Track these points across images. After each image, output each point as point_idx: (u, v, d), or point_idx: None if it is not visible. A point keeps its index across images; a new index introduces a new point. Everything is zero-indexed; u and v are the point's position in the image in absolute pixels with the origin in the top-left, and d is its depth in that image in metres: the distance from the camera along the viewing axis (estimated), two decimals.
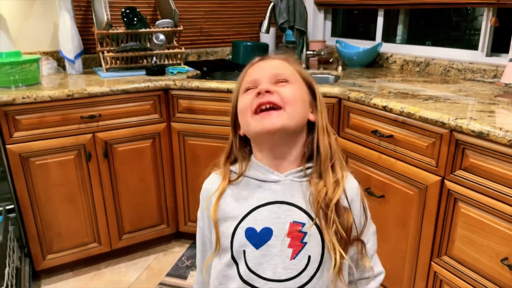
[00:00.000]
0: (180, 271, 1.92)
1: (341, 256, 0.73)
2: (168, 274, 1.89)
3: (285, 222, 0.74)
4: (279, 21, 2.06)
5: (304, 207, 0.75)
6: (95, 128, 1.74)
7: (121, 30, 2.05)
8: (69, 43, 1.95)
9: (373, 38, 2.32)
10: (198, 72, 2.09)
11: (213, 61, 2.36)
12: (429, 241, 1.36)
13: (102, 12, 1.89)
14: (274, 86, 0.74)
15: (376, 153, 1.50)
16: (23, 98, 1.57)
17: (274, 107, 0.72)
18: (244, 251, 0.75)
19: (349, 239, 0.75)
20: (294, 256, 0.73)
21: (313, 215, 0.74)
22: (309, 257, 0.74)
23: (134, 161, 1.88)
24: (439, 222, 1.32)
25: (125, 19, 2.00)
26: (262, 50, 2.26)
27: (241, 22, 2.60)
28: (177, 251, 2.08)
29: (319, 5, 2.57)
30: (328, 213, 0.73)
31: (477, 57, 1.85)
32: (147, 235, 2.01)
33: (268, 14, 2.03)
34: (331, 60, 2.24)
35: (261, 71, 0.77)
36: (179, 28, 2.13)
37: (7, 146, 1.60)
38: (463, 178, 1.21)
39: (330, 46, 2.45)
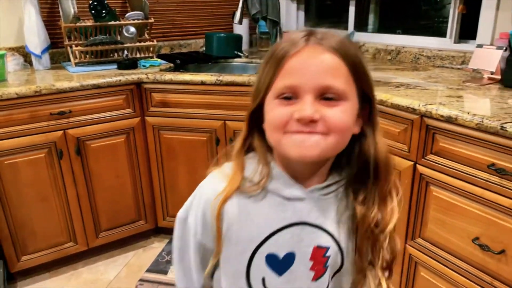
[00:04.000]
0: (160, 266, 1.90)
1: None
2: (148, 270, 1.88)
3: (309, 246, 0.67)
4: (252, 12, 2.05)
5: (329, 228, 0.67)
6: (65, 124, 1.69)
7: (90, 23, 1.99)
8: (35, 37, 1.88)
9: (346, 28, 2.34)
10: (171, 65, 2.06)
11: (187, 54, 2.33)
12: (404, 225, 1.39)
13: (69, 4, 1.84)
14: (320, 105, 0.58)
15: None
16: None
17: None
18: (263, 279, 0.68)
19: (393, 266, 0.69)
20: (316, 278, 0.68)
21: (336, 235, 0.67)
22: (329, 276, 0.70)
23: (108, 157, 1.84)
24: (412, 206, 1.35)
25: (93, 12, 1.94)
26: (236, 42, 2.25)
27: (213, 13, 2.57)
28: (157, 246, 2.06)
29: None
30: (377, 244, 0.66)
31: (445, 44, 1.89)
32: (125, 232, 1.98)
33: (240, 5, 2.02)
34: None
35: (305, 73, 0.58)
36: (150, 20, 2.09)
37: None
38: (434, 162, 1.25)
39: None
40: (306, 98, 0.57)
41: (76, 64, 1.96)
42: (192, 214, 0.71)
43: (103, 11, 1.93)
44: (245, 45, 2.40)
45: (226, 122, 1.79)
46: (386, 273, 0.69)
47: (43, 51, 1.93)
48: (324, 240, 0.67)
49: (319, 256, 0.67)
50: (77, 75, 1.80)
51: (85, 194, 1.82)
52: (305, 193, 0.66)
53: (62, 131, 1.69)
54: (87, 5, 1.97)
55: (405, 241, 1.41)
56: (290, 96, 0.59)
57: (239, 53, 2.23)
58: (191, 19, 2.51)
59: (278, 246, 0.66)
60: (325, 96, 0.58)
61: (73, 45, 1.95)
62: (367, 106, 0.65)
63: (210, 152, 1.87)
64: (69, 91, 1.66)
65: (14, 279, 1.83)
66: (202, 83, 1.76)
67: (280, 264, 0.67)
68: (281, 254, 0.67)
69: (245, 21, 2.41)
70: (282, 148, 0.61)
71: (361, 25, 2.28)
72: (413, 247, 1.38)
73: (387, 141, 1.38)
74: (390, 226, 0.65)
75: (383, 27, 2.25)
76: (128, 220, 1.98)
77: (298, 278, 0.68)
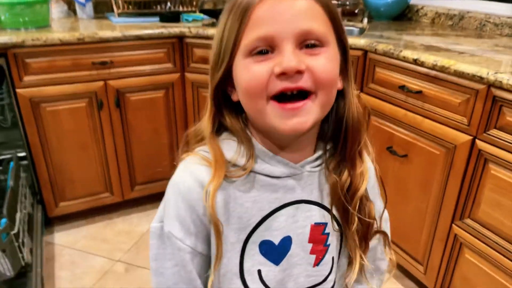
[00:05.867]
0: None
1: (361, 258, 0.64)
2: None
3: (305, 226, 0.60)
4: None
5: (324, 202, 0.61)
6: (106, 75, 1.67)
7: None
8: None
9: None
10: (214, 20, 1.98)
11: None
12: (452, 203, 1.30)
13: None
14: (302, 54, 0.50)
15: (401, 110, 1.42)
16: (32, 40, 1.50)
17: (302, 92, 0.51)
18: (259, 272, 0.60)
19: (370, 234, 0.64)
20: (318, 262, 0.62)
21: (334, 210, 0.61)
22: (333, 258, 0.64)
23: (146, 111, 1.82)
24: (465, 184, 1.25)
25: None
26: None
27: None
28: None
29: None
30: (350, 209, 0.60)
31: None
32: (159, 187, 1.99)
33: None
34: (356, 11, 2.09)
35: (279, 19, 0.49)
36: None
37: (17, 90, 1.55)
38: (497, 138, 1.13)
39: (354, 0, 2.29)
40: (286, 47, 0.49)
41: (119, 15, 1.91)
42: (172, 218, 0.57)
43: None
44: None
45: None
46: (362, 244, 0.64)
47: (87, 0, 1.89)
48: (320, 216, 0.61)
49: (317, 234, 0.61)
50: (119, 26, 1.76)
51: (122, 147, 1.83)
52: (295, 168, 0.58)
53: (103, 82, 1.67)
54: None
55: (451, 220, 1.32)
56: (265, 49, 0.50)
57: None
58: None
59: (272, 231, 0.58)
60: (306, 43, 0.50)
61: None
62: (342, 58, 0.56)
63: None
64: (111, 41, 1.63)
65: (52, 224, 1.89)
66: None
67: (277, 251, 0.59)
68: (276, 240, 0.59)
69: None
70: (267, 119, 0.52)
71: None
72: (460, 227, 1.29)
73: (444, 112, 1.27)
74: (361, 191, 0.59)
75: None
76: (163, 176, 1.98)
77: (297, 265, 0.61)
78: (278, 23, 0.49)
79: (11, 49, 1.49)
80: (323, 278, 0.64)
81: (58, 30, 1.63)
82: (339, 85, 0.56)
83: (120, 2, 1.89)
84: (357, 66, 1.56)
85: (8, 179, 1.53)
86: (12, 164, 1.58)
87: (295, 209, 0.59)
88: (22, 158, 1.74)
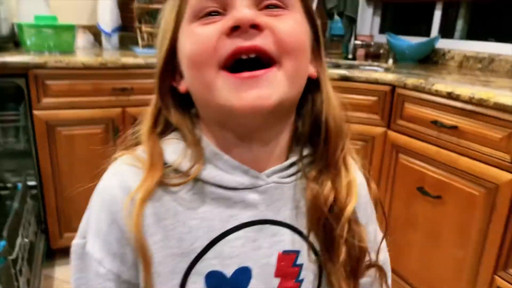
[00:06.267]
0: None
1: None
2: None
3: (271, 255, 0.47)
4: (328, 6, 1.93)
5: (297, 224, 0.48)
6: (126, 101, 1.64)
7: (161, 6, 1.97)
8: (107, 15, 1.88)
9: (428, 34, 2.14)
10: None
11: None
12: (495, 251, 1.16)
13: None
14: (262, 14, 0.41)
15: (433, 147, 1.32)
16: (55, 62, 1.49)
17: (263, 60, 0.40)
18: None
19: (360, 269, 0.49)
20: None
21: (311, 235, 0.48)
22: None
23: None
24: (510, 228, 1.12)
25: None
26: None
27: None
28: None
29: None
30: (336, 232, 0.46)
31: None
32: None
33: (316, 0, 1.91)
34: (380, 52, 2.08)
35: None
36: None
37: (34, 112, 1.52)
38: None
39: (378, 43, 2.29)
40: (239, 3, 0.39)
41: (143, 47, 1.93)
42: (92, 234, 0.45)
43: None
44: None
45: None
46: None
47: (114, 30, 1.92)
48: (291, 241, 0.47)
49: (287, 266, 0.47)
50: (143, 56, 1.77)
51: None
52: (258, 178, 0.45)
53: (121, 108, 1.64)
54: None
55: (494, 270, 1.17)
56: (215, 11, 0.40)
57: None
58: None
59: (224, 260, 0.45)
60: (266, 3, 0.41)
61: (143, 26, 1.93)
62: (312, 36, 0.46)
63: None
64: (134, 68, 1.62)
65: (54, 256, 1.78)
66: None
67: (229, 286, 0.45)
68: (229, 271, 0.45)
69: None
70: (218, 96, 0.40)
71: (446, 32, 2.07)
72: (504, 279, 1.14)
73: (483, 149, 1.17)
74: (349, 208, 0.46)
75: (473, 35, 2.03)
76: None
77: None
78: None
79: (33, 69, 1.48)
80: None
81: (82, 56, 1.64)
82: (312, 70, 0.46)
83: (145, 34, 1.91)
84: (384, 102, 1.50)
85: (13, 203, 1.45)
86: (19, 187, 1.51)
87: (257, 232, 0.46)
88: (32, 187, 1.68)
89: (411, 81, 1.39)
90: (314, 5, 1.93)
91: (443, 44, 2.00)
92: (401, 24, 2.50)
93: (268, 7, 0.41)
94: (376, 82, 1.49)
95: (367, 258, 0.50)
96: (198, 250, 0.44)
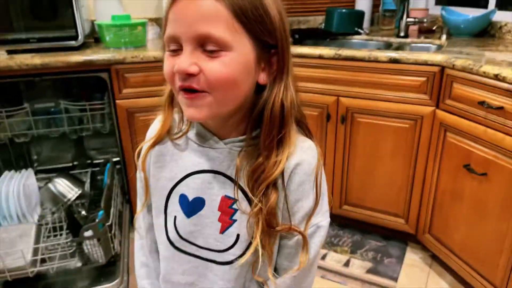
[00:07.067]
0: None
1: (263, 247, 0.64)
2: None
3: (218, 195, 0.68)
4: None
5: (240, 182, 0.66)
6: None
7: None
8: None
9: (484, 7, 2.09)
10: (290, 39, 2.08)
11: (305, 29, 2.33)
12: None
13: None
14: (201, 57, 0.55)
15: (481, 126, 1.38)
16: (132, 57, 1.72)
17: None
18: (175, 217, 0.71)
19: (268, 225, 0.64)
20: (222, 230, 0.68)
21: (248, 189, 0.65)
22: (238, 235, 0.68)
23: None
24: None
25: None
26: (357, 18, 2.17)
27: None
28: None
29: None
30: (248, 192, 0.64)
31: None
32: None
33: None
34: (434, 29, 2.07)
35: (183, 22, 0.55)
36: None
37: (116, 101, 1.77)
38: None
39: (433, 15, 2.26)
40: (186, 48, 0.55)
41: None
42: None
43: None
44: (366, 23, 2.30)
45: (340, 98, 1.76)
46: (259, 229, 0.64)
47: None
48: (231, 191, 0.66)
49: (225, 206, 0.67)
50: None
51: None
52: (216, 142, 0.67)
53: None
54: None
55: None
56: (176, 47, 0.57)
57: (359, 30, 2.15)
58: None
59: (189, 189, 0.69)
60: (206, 47, 0.55)
61: None
62: (275, 52, 0.60)
63: (320, 128, 1.86)
64: None
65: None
66: (320, 57, 1.75)
67: (190, 206, 0.69)
68: (190, 197, 0.69)
69: None
70: (180, 103, 0.61)
71: (504, 4, 2.01)
72: None
73: None
74: (269, 179, 0.62)
75: None
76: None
77: (207, 226, 0.69)
78: (182, 25, 0.55)
79: (114, 65, 1.72)
80: (226, 247, 0.68)
81: (153, 49, 1.85)
82: (261, 79, 0.61)
83: None
84: (433, 82, 1.55)
85: (104, 178, 1.74)
86: (108, 165, 1.79)
87: (212, 178, 0.67)
88: (116, 163, 1.96)
89: (460, 62, 1.43)
90: None
91: (500, 16, 1.95)
92: None
93: (207, 50, 0.55)
94: (425, 63, 1.54)
95: (286, 225, 0.66)
96: (178, 179, 0.70)
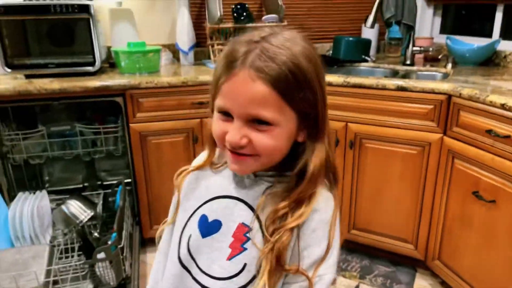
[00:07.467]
0: None
1: (268, 280, 0.65)
2: None
3: (236, 222, 0.70)
4: (386, 16, 2.02)
5: (261, 214, 0.69)
6: (203, 114, 1.89)
7: (230, 25, 2.19)
8: (185, 36, 2.13)
9: (488, 36, 2.15)
10: (320, 61, 2.14)
11: None
12: None
13: (216, 8, 2.04)
14: (250, 129, 0.63)
15: (488, 154, 1.40)
16: (146, 83, 1.77)
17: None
18: (190, 236, 0.74)
19: (277, 263, 0.66)
20: (230, 257, 0.69)
21: (264, 222, 0.68)
22: (245, 264, 0.69)
23: None
24: None
25: (234, 14, 2.13)
26: (364, 46, 2.24)
27: (343, 18, 2.59)
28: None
29: (429, 0, 2.45)
30: (265, 232, 0.67)
31: None
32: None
33: (375, 8, 2.00)
34: (439, 57, 2.13)
35: (236, 100, 0.61)
36: (283, 23, 2.21)
37: (130, 124, 1.82)
38: None
39: (438, 44, 2.32)
40: (236, 122, 0.62)
41: (215, 61, 2.16)
42: None
43: (244, 14, 2.10)
44: (372, 50, 2.37)
45: (348, 123, 1.80)
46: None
47: (190, 49, 2.18)
48: (250, 221, 0.69)
49: (240, 233, 0.69)
50: None
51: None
52: (250, 175, 0.71)
53: (199, 119, 1.89)
54: (230, 10, 2.17)
55: None
56: (227, 116, 0.64)
57: (366, 57, 2.21)
58: (320, 23, 2.58)
59: (211, 211, 0.73)
60: (256, 124, 0.62)
61: (215, 44, 2.16)
62: (315, 117, 0.66)
63: None
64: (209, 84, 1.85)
65: (145, 244, 2.09)
66: (329, 84, 1.79)
67: (207, 227, 0.72)
68: (210, 218, 0.72)
69: (375, 26, 2.38)
70: (226, 157, 0.68)
71: (508, 34, 2.07)
72: None
73: None
74: (288, 226, 0.65)
75: None
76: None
77: (216, 250, 0.71)
78: (235, 103, 0.62)
79: (129, 90, 1.78)
80: (230, 275, 0.69)
81: (165, 75, 1.91)
82: (300, 139, 0.67)
83: (217, 50, 2.15)
84: (440, 110, 1.59)
85: (117, 200, 1.77)
86: (120, 187, 1.82)
87: (235, 204, 0.71)
88: (127, 184, 1.99)
89: (466, 91, 1.48)
90: (372, 16, 2.03)
91: (504, 46, 2.00)
92: (462, 24, 2.50)
93: (257, 121, 0.62)
94: (432, 91, 1.59)
95: (295, 266, 0.67)
96: (205, 199, 0.75)
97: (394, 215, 1.81)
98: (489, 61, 2.06)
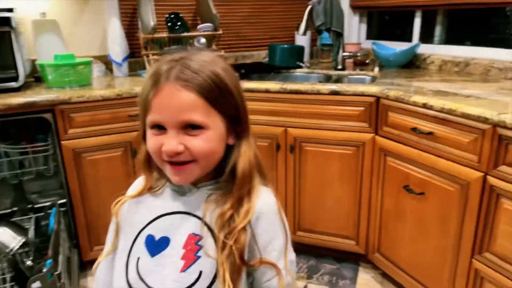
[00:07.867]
0: None
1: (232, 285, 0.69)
2: None
3: (185, 234, 0.73)
4: (316, 23, 2.11)
5: (208, 220, 0.73)
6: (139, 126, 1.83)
7: (164, 34, 2.15)
8: (117, 46, 2.06)
9: (409, 40, 2.32)
10: (237, 74, 2.16)
11: (250, 64, 2.43)
12: (470, 238, 1.35)
13: (148, 17, 2.00)
14: (184, 136, 0.67)
15: (415, 150, 1.51)
16: (77, 97, 1.69)
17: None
18: (138, 259, 0.74)
19: (242, 262, 0.70)
20: (184, 268, 0.71)
21: (214, 229, 0.71)
22: (201, 272, 0.70)
23: None
24: (481, 218, 1.31)
25: (169, 24, 2.10)
26: (298, 53, 2.31)
27: (277, 26, 2.66)
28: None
29: (354, 8, 2.60)
30: (228, 239, 0.69)
31: None
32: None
33: (305, 17, 2.09)
34: (367, 62, 2.26)
35: (167, 111, 0.66)
36: (218, 32, 2.22)
37: (62, 142, 1.72)
38: (507, 174, 1.21)
39: (365, 49, 2.47)
40: (170, 132, 0.67)
41: None
42: None
43: (178, 23, 2.08)
44: (306, 57, 2.46)
45: (288, 128, 1.84)
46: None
47: (123, 60, 2.11)
48: (199, 230, 0.72)
49: (191, 243, 0.72)
50: None
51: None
52: (192, 189, 0.75)
53: (137, 132, 1.83)
54: (163, 19, 2.13)
55: (471, 255, 1.36)
56: (160, 130, 0.68)
57: (300, 63, 2.29)
58: (255, 31, 2.63)
59: (157, 229, 0.74)
60: (188, 129, 0.67)
61: (150, 54, 2.12)
62: (239, 119, 0.73)
63: (271, 158, 1.92)
64: None
65: (85, 268, 1.97)
66: (267, 91, 1.83)
67: (155, 245, 0.73)
68: (157, 236, 0.74)
69: (307, 33, 2.47)
70: (166, 172, 0.72)
71: (426, 38, 2.26)
72: (479, 261, 1.34)
73: (456, 151, 1.36)
74: (240, 226, 0.70)
75: (450, 40, 2.21)
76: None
77: (168, 266, 0.72)
78: (166, 114, 0.66)
79: (58, 105, 1.68)
80: (186, 285, 0.70)
81: (98, 88, 1.83)
82: (230, 141, 0.74)
83: (152, 61, 2.10)
84: (370, 111, 1.68)
85: (51, 223, 1.65)
86: (54, 209, 1.71)
87: (181, 218, 0.74)
88: (61, 205, 1.87)
89: (393, 93, 1.58)
90: (303, 24, 2.11)
91: (424, 49, 2.18)
92: (386, 30, 2.68)
93: (189, 127, 0.67)
94: (362, 94, 1.68)
95: (256, 260, 0.72)
96: (148, 220, 0.76)
97: (336, 213, 1.89)
98: (411, 64, 2.23)
